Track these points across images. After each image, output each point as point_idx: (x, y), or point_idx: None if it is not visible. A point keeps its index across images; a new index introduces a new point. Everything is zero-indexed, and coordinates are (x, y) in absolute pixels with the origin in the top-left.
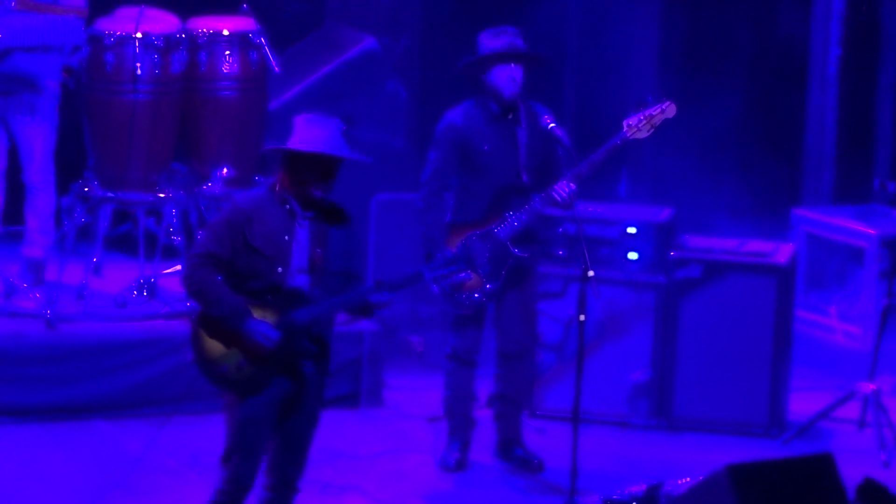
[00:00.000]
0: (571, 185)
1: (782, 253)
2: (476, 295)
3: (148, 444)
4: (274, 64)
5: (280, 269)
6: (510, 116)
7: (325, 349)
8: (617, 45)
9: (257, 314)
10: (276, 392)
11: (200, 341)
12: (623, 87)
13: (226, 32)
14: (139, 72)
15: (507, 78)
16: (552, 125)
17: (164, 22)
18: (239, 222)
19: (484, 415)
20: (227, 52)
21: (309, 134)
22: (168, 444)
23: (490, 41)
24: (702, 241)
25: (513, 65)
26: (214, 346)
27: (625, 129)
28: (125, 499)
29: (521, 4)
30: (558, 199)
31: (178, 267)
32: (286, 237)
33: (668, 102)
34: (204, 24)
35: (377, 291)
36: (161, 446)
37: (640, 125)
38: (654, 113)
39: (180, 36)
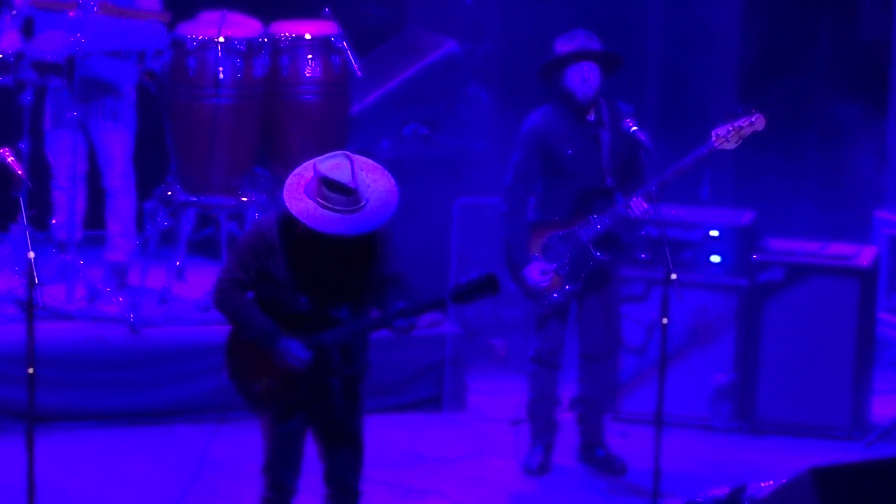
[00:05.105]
0: (646, 203)
1: (865, 255)
2: (555, 295)
3: (215, 448)
4: (356, 68)
5: (303, 299)
6: (592, 118)
7: (353, 360)
8: (698, 47)
9: (288, 335)
10: (308, 408)
11: (234, 360)
12: (704, 88)
13: (308, 37)
14: (221, 76)
15: (579, 79)
16: (634, 128)
17: (246, 26)
18: (262, 251)
19: (566, 418)
20: (310, 56)
21: (331, 197)
22: (245, 446)
23: (562, 44)
24: (784, 244)
25: (584, 66)
26: (247, 366)
27: (713, 139)
28: (203, 501)
29: (602, 7)
30: (632, 216)
31: None
32: (313, 265)
33: (757, 115)
34: (286, 29)
35: (400, 317)
36: (239, 448)
37: (728, 136)
38: (742, 125)
39: (262, 40)
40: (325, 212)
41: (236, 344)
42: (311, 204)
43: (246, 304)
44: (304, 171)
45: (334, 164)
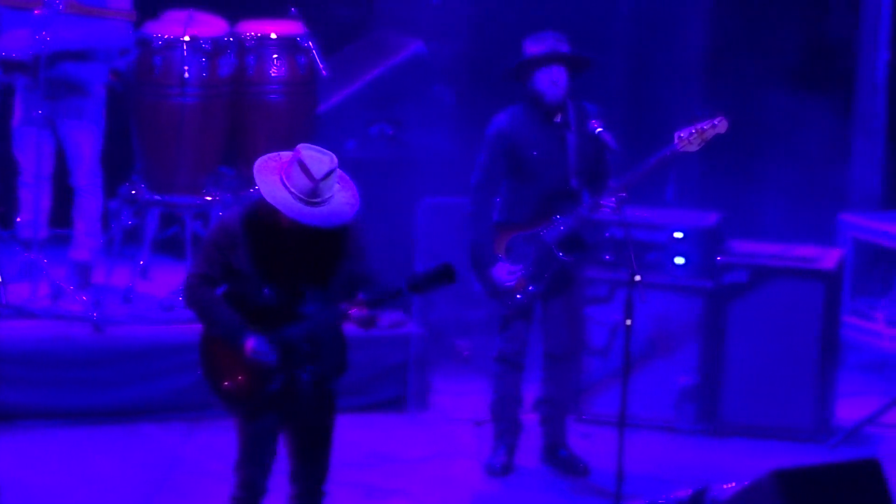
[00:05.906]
0: (619, 195)
1: (829, 258)
2: (518, 296)
3: (181, 448)
4: (322, 68)
5: (266, 292)
6: (559, 120)
7: (324, 358)
8: (666, 48)
9: (255, 330)
10: (279, 405)
11: (206, 357)
12: (671, 89)
13: (274, 36)
14: (187, 75)
15: (548, 81)
16: (599, 129)
17: (212, 26)
18: (225, 245)
19: (530, 419)
20: (276, 56)
21: (294, 178)
22: (212, 446)
23: (532, 46)
24: (749, 246)
25: (554, 68)
26: (218, 363)
27: (675, 141)
28: (170, 501)
29: (571, 8)
30: (596, 217)
31: None
32: (277, 256)
33: (719, 118)
34: (252, 28)
35: (358, 308)
36: (205, 449)
37: (690, 138)
38: (705, 127)
39: (228, 40)
40: (283, 190)
41: (208, 341)
42: (274, 176)
43: (213, 300)
44: (286, 153)
45: (316, 155)
